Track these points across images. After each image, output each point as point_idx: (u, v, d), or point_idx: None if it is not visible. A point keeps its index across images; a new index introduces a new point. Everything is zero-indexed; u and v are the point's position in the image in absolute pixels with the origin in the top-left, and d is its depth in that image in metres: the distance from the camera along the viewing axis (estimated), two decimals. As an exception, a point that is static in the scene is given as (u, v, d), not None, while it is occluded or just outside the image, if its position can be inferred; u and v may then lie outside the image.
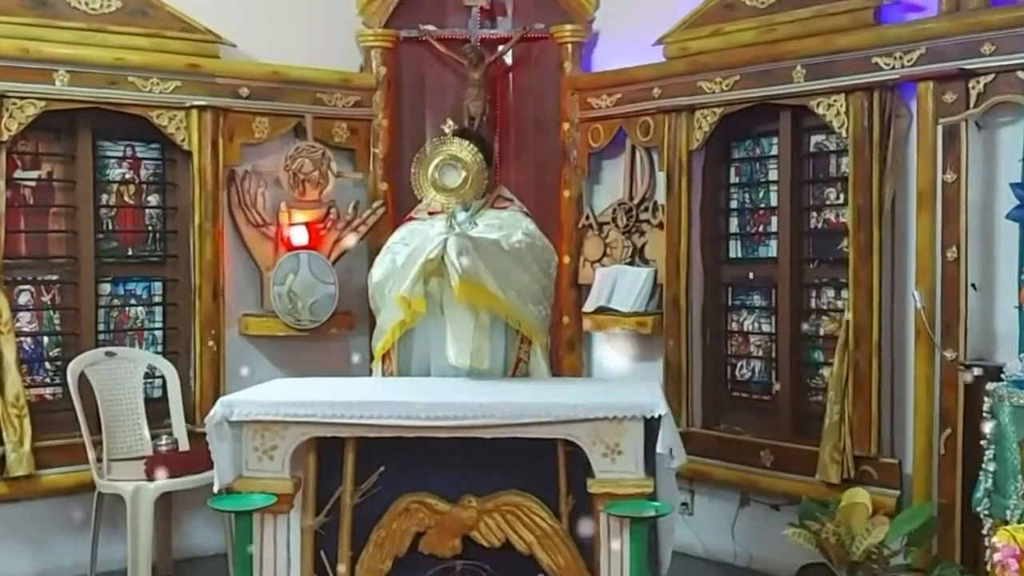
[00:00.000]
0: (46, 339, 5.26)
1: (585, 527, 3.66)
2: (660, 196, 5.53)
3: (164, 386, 5.28)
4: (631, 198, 5.68)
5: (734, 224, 5.50)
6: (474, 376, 4.11)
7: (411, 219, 4.51)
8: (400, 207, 5.69)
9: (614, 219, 5.71)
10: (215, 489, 3.70)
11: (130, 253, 5.49)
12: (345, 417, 3.63)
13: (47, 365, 5.24)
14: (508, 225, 4.28)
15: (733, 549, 5.26)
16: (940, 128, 4.43)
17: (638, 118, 5.56)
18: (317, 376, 4.56)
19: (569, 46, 5.89)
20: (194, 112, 5.35)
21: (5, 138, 4.91)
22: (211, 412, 3.71)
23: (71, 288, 5.27)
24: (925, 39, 4.49)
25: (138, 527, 4.73)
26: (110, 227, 5.42)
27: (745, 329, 5.45)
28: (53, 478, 5.00)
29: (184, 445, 5.13)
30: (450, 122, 4.36)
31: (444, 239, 3.99)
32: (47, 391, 5.22)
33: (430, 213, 4.43)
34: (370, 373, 4.49)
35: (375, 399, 3.71)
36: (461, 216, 4.33)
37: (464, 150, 4.18)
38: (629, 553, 3.51)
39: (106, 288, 5.41)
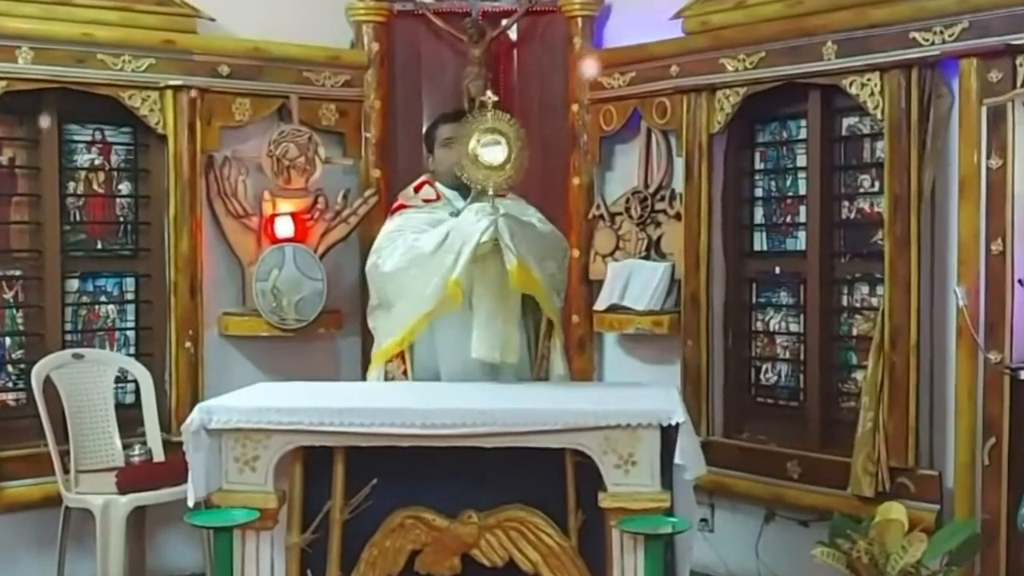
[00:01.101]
0: (8, 340, 5.27)
1: (596, 545, 3.66)
2: (678, 184, 5.53)
3: (137, 391, 5.29)
4: (646, 186, 5.68)
5: (759, 214, 5.50)
6: (486, 377, 4.14)
7: (403, 207, 4.49)
8: (393, 196, 5.64)
9: (627, 209, 5.71)
10: (191, 503, 3.70)
11: (99, 246, 5.49)
12: (334, 425, 3.63)
13: (9, 368, 5.25)
14: (518, 214, 4.30)
15: (757, 569, 5.26)
16: (984, 109, 4.42)
17: (654, 99, 5.55)
18: (303, 380, 4.56)
19: (579, 20, 5.88)
20: (169, 92, 5.35)
21: (-37, 121, 4.93)
22: (188, 419, 3.70)
23: (35, 284, 5.28)
24: (968, 11, 4.48)
25: (108, 544, 4.74)
26: (77, 218, 5.42)
27: (771, 329, 5.45)
28: (15, 491, 5.01)
29: (159, 455, 5.14)
30: (489, 93, 4.33)
31: (494, 220, 4.00)
32: (9, 396, 5.24)
33: (425, 201, 4.44)
34: (363, 378, 4.50)
35: (366, 405, 3.71)
36: (460, 203, 4.35)
37: (504, 123, 4.16)
38: (644, 573, 3.50)
39: (73, 284, 5.42)
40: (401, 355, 4.30)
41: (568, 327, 5.75)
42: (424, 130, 4.82)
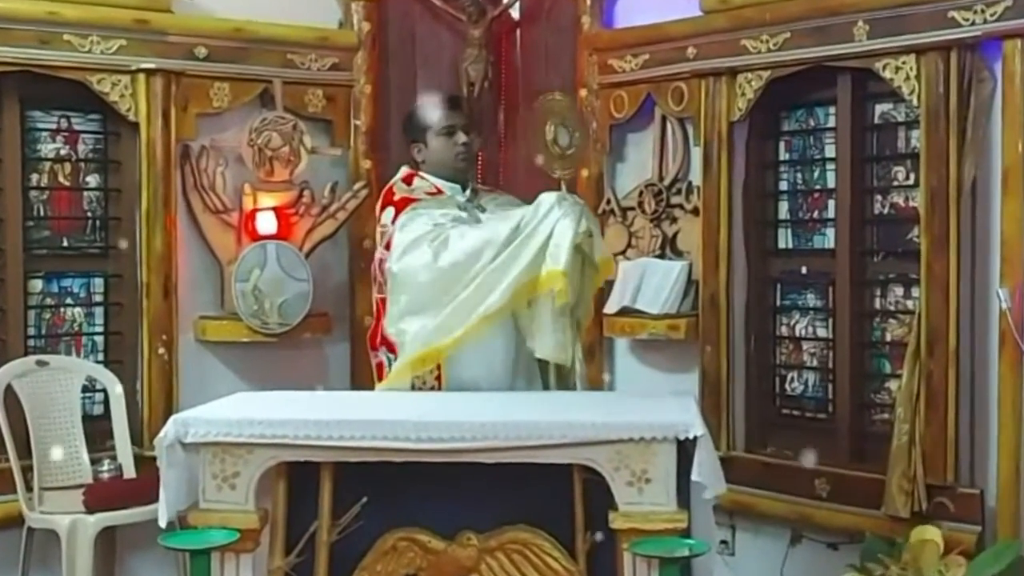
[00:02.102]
0: (-34, 346, 5.28)
1: (606, 569, 3.67)
2: (695, 176, 5.53)
3: (106, 401, 5.29)
4: (661, 178, 5.68)
5: (783, 209, 5.50)
6: (519, 387, 4.23)
7: (409, 200, 4.45)
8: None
9: (640, 203, 5.71)
10: (163, 523, 3.70)
11: (65, 244, 5.49)
12: (321, 438, 3.63)
13: (-33, 376, 5.26)
14: (512, 207, 4.35)
15: (782, 596, 5.27)
16: (1030, 94, 4.43)
17: (669, 83, 5.55)
18: (287, 389, 4.56)
19: (587, -3, 5.90)
20: (141, 76, 5.35)
21: (-83, 107, 4.94)
22: (162, 432, 3.71)
23: (-5, 285, 5.29)
24: (1012, -12, 4.49)
25: (75, 569, 4.74)
26: (41, 213, 5.43)
27: (797, 334, 5.45)
28: (-26, 510, 5.01)
29: (130, 471, 5.14)
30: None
31: (582, 209, 4.17)
32: (-33, 407, 5.24)
33: (429, 194, 4.44)
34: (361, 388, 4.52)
35: (356, 417, 3.72)
36: (461, 197, 4.37)
37: (571, 109, 4.34)
38: (658, 600, 3.51)
39: (37, 285, 5.42)
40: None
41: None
42: (408, 116, 4.76)
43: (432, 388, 4.32)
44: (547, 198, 4.23)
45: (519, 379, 4.32)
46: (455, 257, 4.25)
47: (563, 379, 4.44)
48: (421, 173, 4.55)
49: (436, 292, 4.27)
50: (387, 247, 4.39)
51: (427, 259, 4.27)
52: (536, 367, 4.42)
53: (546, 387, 4.46)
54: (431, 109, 4.60)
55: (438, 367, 4.30)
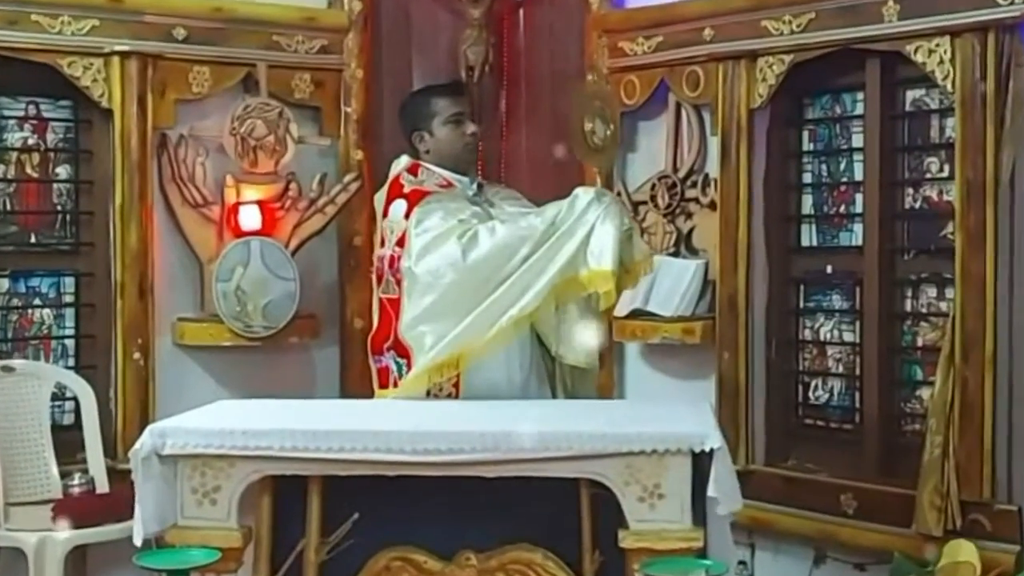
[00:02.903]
0: (-74, 350, 5.30)
1: (616, 591, 3.68)
2: (712, 168, 5.53)
3: (77, 410, 5.30)
4: (675, 170, 5.68)
5: (807, 204, 5.51)
6: (535, 394, 4.27)
7: (423, 192, 4.42)
8: (378, 181, 5.65)
9: (653, 197, 5.71)
10: (139, 541, 3.71)
11: (33, 240, 5.51)
12: (308, 450, 3.63)
13: (-73, 383, 5.26)
14: (523, 206, 4.37)
15: (805, 620, 5.28)
16: (1073, 80, 4.44)
17: (684, 67, 5.56)
18: (272, 397, 4.56)
19: (596, -26, 5.91)
20: (115, 60, 5.36)
21: None
22: (137, 443, 3.72)
23: (-42, 285, 5.30)
24: (1055, -35, 4.49)
25: (43, 590, 4.75)
26: (8, 207, 5.44)
27: (821, 338, 5.45)
28: (-65, 527, 5.02)
29: (102, 485, 5.15)
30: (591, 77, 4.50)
31: (620, 206, 4.27)
32: (-73, 416, 5.25)
33: (439, 186, 4.44)
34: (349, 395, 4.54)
35: (347, 427, 3.72)
36: (470, 191, 4.39)
37: (604, 98, 4.40)
38: (672, 625, 3.52)
39: (3, 284, 5.44)
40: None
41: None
42: (407, 104, 4.73)
43: (449, 395, 4.31)
44: (584, 194, 4.25)
45: (533, 385, 4.36)
46: (486, 254, 4.22)
47: (584, 385, 4.49)
48: (426, 164, 4.53)
49: (464, 292, 4.23)
50: (400, 244, 4.36)
51: (455, 257, 4.22)
52: (546, 373, 4.44)
53: (554, 395, 4.47)
54: (436, 95, 4.59)
55: (457, 373, 4.30)
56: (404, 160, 4.57)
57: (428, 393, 4.29)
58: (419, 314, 4.28)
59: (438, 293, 4.26)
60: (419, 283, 4.27)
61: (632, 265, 4.29)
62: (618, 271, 4.24)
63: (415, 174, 4.48)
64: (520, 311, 4.18)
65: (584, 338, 4.26)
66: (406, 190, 4.43)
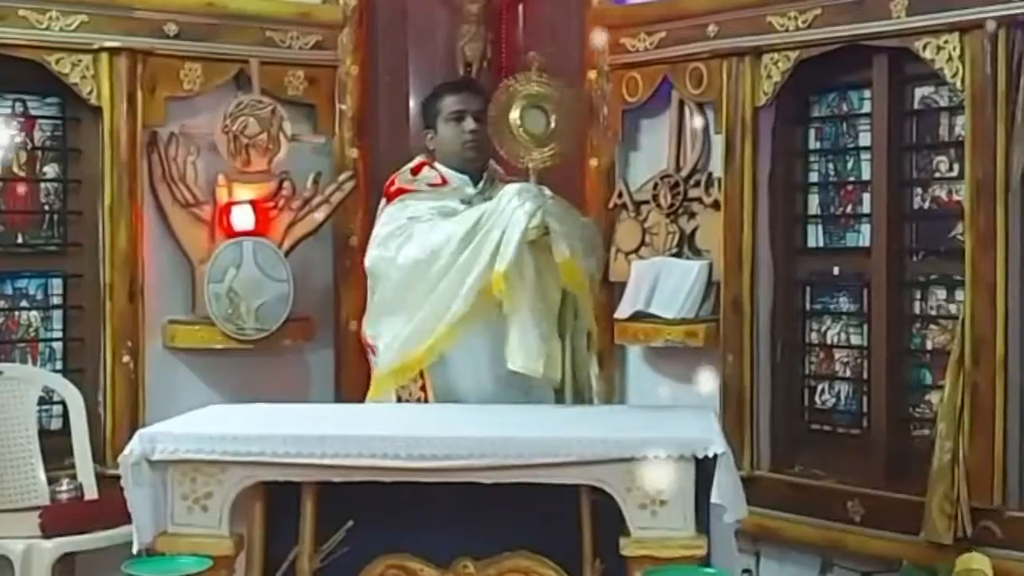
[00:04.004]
0: (-90, 353, 5.29)
1: (617, 600, 3.68)
2: (716, 167, 5.53)
3: (65, 415, 5.29)
4: (678, 169, 5.68)
5: (813, 204, 5.51)
6: (516, 400, 4.19)
7: (404, 191, 4.49)
8: (374, 179, 5.68)
9: (656, 197, 5.71)
10: (137, 549, 3.71)
11: (20, 240, 5.50)
12: (302, 455, 3.64)
13: (-89, 387, 5.26)
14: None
15: (811, 630, 5.28)
16: (1086, 77, 4.44)
17: (687, 64, 5.56)
18: (265, 401, 4.56)
19: (597, -32, 5.91)
20: (104, 56, 5.35)
21: None
22: (126, 449, 3.72)
23: (-57, 286, 5.30)
24: (1067, -41, 4.50)
25: (30, 599, 4.74)
26: (-6, 206, 5.44)
27: (828, 341, 5.45)
28: (-81, 535, 5.01)
29: (91, 492, 5.14)
30: (533, 54, 4.43)
31: (542, 203, 4.09)
32: (-88, 421, 5.25)
33: (431, 185, 4.45)
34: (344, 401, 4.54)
35: (341, 432, 3.72)
36: (470, 189, 4.39)
37: (551, 87, 4.30)
38: (675, 635, 3.52)
39: (-11, 286, 5.44)
40: (419, 372, 4.32)
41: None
42: (422, 102, 4.86)
43: (419, 399, 4.33)
44: (509, 190, 4.23)
45: (513, 390, 4.29)
46: (415, 254, 4.28)
47: (578, 395, 4.45)
48: (434, 163, 4.57)
49: (402, 292, 4.33)
50: None
51: (390, 256, 4.34)
52: (518, 377, 4.40)
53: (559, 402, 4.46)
54: (442, 92, 4.64)
55: (422, 376, 4.32)
56: (417, 159, 4.63)
57: (398, 398, 4.32)
58: (371, 312, 4.46)
59: (384, 290, 4.39)
60: (370, 279, 4.44)
61: (560, 266, 4.18)
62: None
63: (416, 173, 4.54)
64: (452, 317, 4.20)
65: (520, 342, 4.15)
66: (392, 188, 4.55)
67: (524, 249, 4.12)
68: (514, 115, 4.25)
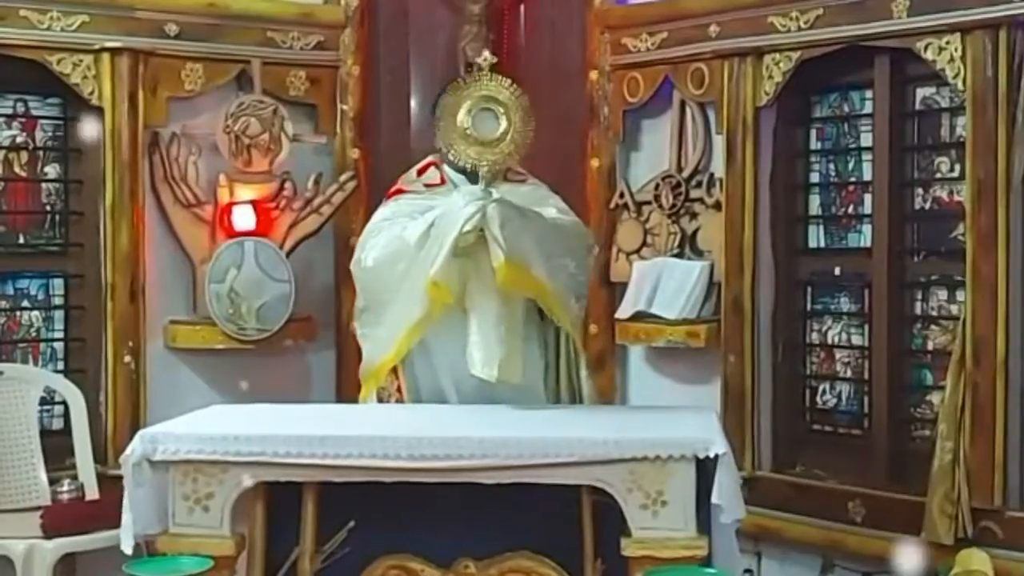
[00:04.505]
0: (-88, 353, 5.30)
1: (618, 601, 3.68)
2: (717, 167, 5.54)
3: (66, 415, 5.29)
4: (679, 170, 5.68)
5: (815, 204, 5.52)
6: (499, 401, 4.16)
7: (400, 192, 4.52)
8: (375, 180, 5.69)
9: (657, 197, 5.72)
10: (127, 549, 3.71)
11: (21, 241, 5.50)
12: (303, 456, 3.64)
13: (-87, 387, 5.27)
14: (532, 202, 4.37)
15: (812, 630, 5.28)
16: (1087, 78, 4.44)
17: (689, 64, 5.56)
18: (266, 402, 4.57)
19: (599, -31, 5.91)
20: (105, 56, 5.36)
21: None
22: (128, 449, 3.72)
23: (-56, 286, 5.31)
24: (1069, -40, 4.50)
25: (32, 599, 4.75)
26: (-5, 206, 5.45)
27: (829, 341, 5.45)
28: (-79, 535, 5.02)
29: (92, 492, 5.14)
30: (486, 54, 4.37)
31: (483, 206, 4.04)
32: (-87, 421, 5.25)
33: (427, 186, 4.46)
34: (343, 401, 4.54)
35: (342, 432, 3.72)
36: (470, 189, 4.39)
37: (503, 89, 4.24)
38: (676, 635, 3.52)
39: (-9, 286, 5.44)
40: (394, 371, 4.33)
41: (585, 339, 5.76)
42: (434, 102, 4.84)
43: (397, 401, 4.35)
44: (457, 195, 4.22)
45: (495, 390, 4.23)
46: (378, 256, 4.31)
47: (567, 397, 4.44)
48: (442, 163, 4.58)
49: (372, 294, 4.36)
50: None
51: (360, 257, 4.37)
52: (533, 381, 4.40)
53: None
54: (447, 91, 4.63)
55: (397, 376, 4.35)
56: (427, 159, 4.64)
57: (379, 399, 4.34)
58: (355, 313, 4.47)
59: (359, 294, 4.42)
60: (354, 278, 4.45)
61: (497, 269, 4.10)
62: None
63: (421, 173, 4.55)
64: (408, 322, 4.22)
65: (476, 347, 4.13)
66: (393, 188, 4.57)
67: (483, 251, 4.08)
68: (462, 116, 4.22)
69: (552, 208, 4.41)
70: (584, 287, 4.50)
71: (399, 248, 4.24)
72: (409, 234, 4.22)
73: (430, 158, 4.62)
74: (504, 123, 4.21)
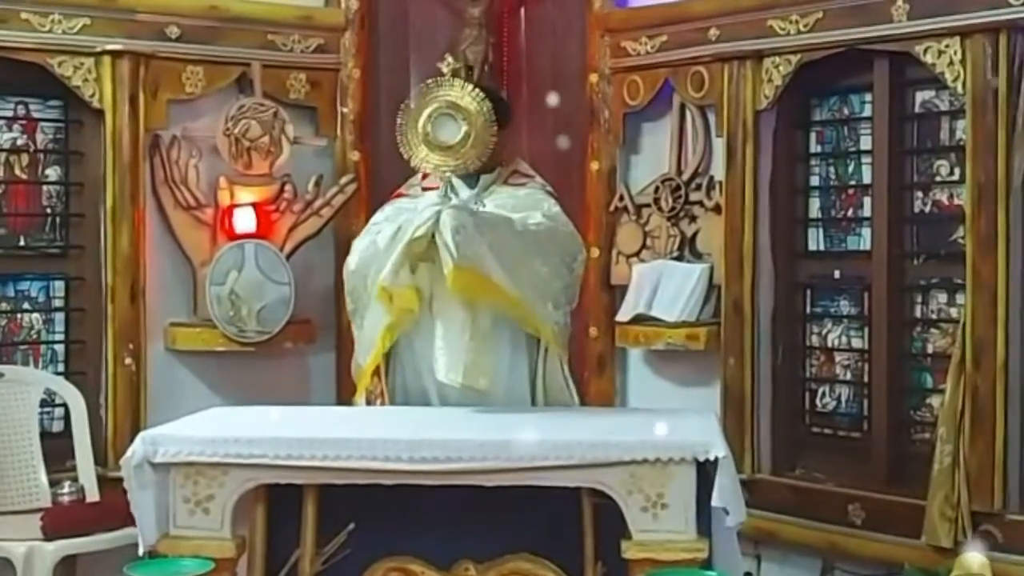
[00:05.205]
0: (-88, 355, 5.30)
1: (618, 603, 3.68)
2: (717, 170, 5.54)
3: (67, 417, 5.29)
4: (679, 172, 5.68)
5: (814, 207, 5.52)
6: (485, 404, 4.16)
7: (400, 196, 4.54)
8: (376, 182, 5.70)
9: (657, 200, 5.72)
10: (143, 551, 3.71)
11: (22, 243, 5.50)
12: (303, 458, 3.64)
13: (-87, 389, 5.26)
14: (525, 206, 4.35)
15: (812, 633, 5.28)
16: (1086, 81, 4.44)
17: (689, 68, 5.56)
18: (267, 404, 4.57)
19: (599, -28, 5.91)
20: (106, 59, 5.36)
21: None
22: (128, 451, 3.72)
23: (-55, 288, 5.30)
24: (1068, -36, 4.50)
25: (32, 601, 4.75)
26: (-4, 209, 5.45)
27: (829, 344, 5.45)
28: (-79, 537, 5.02)
29: (92, 494, 5.14)
30: (449, 59, 4.37)
31: (437, 212, 4.04)
32: (-87, 423, 5.25)
33: (425, 189, 4.47)
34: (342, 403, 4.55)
35: (342, 435, 3.72)
36: (465, 193, 4.38)
37: (466, 95, 4.24)
38: (676, 637, 3.52)
39: (-9, 288, 5.44)
40: (377, 374, 4.34)
41: (585, 341, 5.76)
42: None
43: (381, 403, 4.39)
44: (425, 198, 4.25)
45: (477, 392, 4.23)
46: (355, 260, 4.38)
47: (550, 401, 4.40)
48: None
49: (354, 298, 4.42)
50: None
51: (348, 260, 4.44)
52: (518, 387, 4.39)
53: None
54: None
55: (380, 379, 4.37)
56: None
57: (368, 401, 4.35)
58: (349, 315, 4.51)
59: (346, 295, 4.47)
60: None
61: (447, 276, 4.09)
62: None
63: (425, 176, 4.56)
64: (382, 323, 4.25)
65: (440, 352, 4.13)
66: (396, 192, 4.61)
67: (438, 257, 4.08)
68: (423, 121, 4.23)
69: (538, 213, 4.37)
70: (564, 292, 4.41)
71: (373, 252, 4.29)
72: (381, 238, 4.27)
73: None
74: (464, 129, 4.21)
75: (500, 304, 4.17)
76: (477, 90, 4.27)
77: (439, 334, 4.15)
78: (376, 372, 4.37)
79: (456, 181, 4.44)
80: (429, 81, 4.36)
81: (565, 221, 4.46)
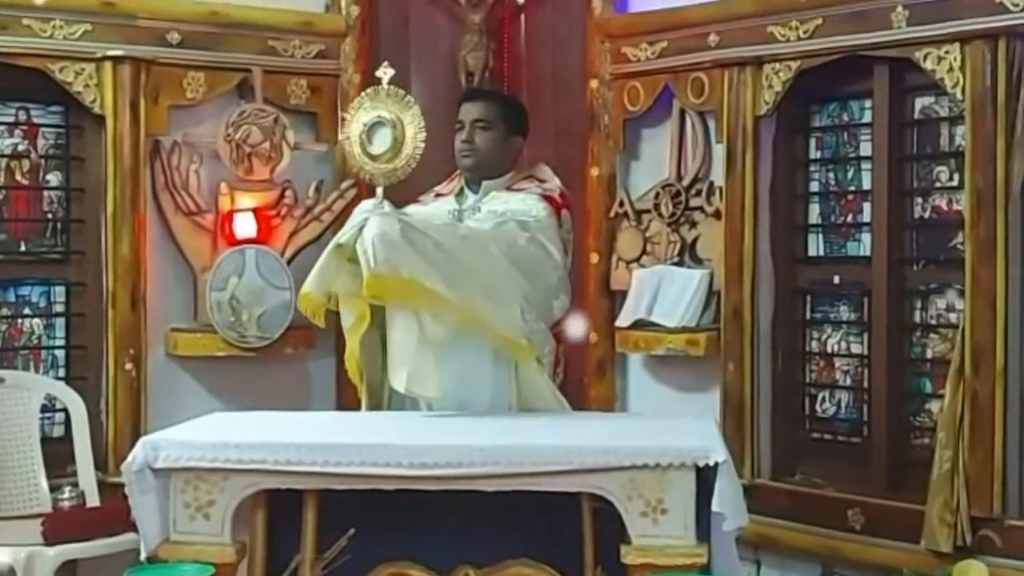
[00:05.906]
0: (-87, 360, 5.30)
1: (618, 608, 3.68)
2: (717, 176, 5.54)
3: (67, 422, 5.29)
4: (679, 178, 5.69)
5: (814, 213, 5.52)
6: (468, 411, 4.17)
7: (415, 202, 4.58)
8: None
9: (657, 206, 5.72)
10: (145, 556, 3.71)
11: (23, 248, 5.51)
12: (304, 463, 3.64)
13: (-86, 394, 5.27)
14: (514, 211, 4.37)
15: (812, 638, 5.28)
16: (1085, 88, 4.45)
17: (689, 74, 5.57)
18: (267, 409, 4.57)
19: (599, -21, 5.92)
20: (107, 65, 5.37)
21: None
22: (129, 456, 3.73)
23: (-54, 294, 5.31)
24: (1067, -30, 4.51)
25: (32, 607, 4.75)
26: (-3, 214, 5.45)
27: (828, 350, 5.46)
28: (-79, 542, 5.02)
29: (93, 499, 5.14)
30: (384, 66, 4.37)
31: (364, 219, 4.09)
32: (-86, 428, 5.25)
33: (438, 196, 4.48)
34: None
35: (343, 440, 3.73)
36: (471, 200, 4.40)
37: (395, 103, 4.25)
38: (675, 642, 3.52)
39: (-8, 294, 5.44)
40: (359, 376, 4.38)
41: (585, 347, 5.77)
42: None
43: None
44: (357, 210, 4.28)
45: (464, 394, 4.27)
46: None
47: (526, 407, 4.36)
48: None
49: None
50: None
51: None
52: (500, 395, 4.38)
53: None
54: (460, 101, 4.69)
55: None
56: None
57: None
58: None
59: None
60: None
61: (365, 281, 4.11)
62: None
63: (446, 181, 4.61)
64: (346, 329, 4.34)
65: (396, 360, 4.15)
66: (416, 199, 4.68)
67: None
68: (358, 130, 4.25)
69: (512, 223, 4.38)
70: (544, 296, 4.43)
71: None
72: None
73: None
74: (392, 137, 4.22)
75: (443, 310, 4.13)
76: (407, 97, 4.27)
77: (391, 340, 4.19)
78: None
79: (379, 191, 4.41)
80: (368, 91, 4.38)
81: (550, 227, 4.45)
